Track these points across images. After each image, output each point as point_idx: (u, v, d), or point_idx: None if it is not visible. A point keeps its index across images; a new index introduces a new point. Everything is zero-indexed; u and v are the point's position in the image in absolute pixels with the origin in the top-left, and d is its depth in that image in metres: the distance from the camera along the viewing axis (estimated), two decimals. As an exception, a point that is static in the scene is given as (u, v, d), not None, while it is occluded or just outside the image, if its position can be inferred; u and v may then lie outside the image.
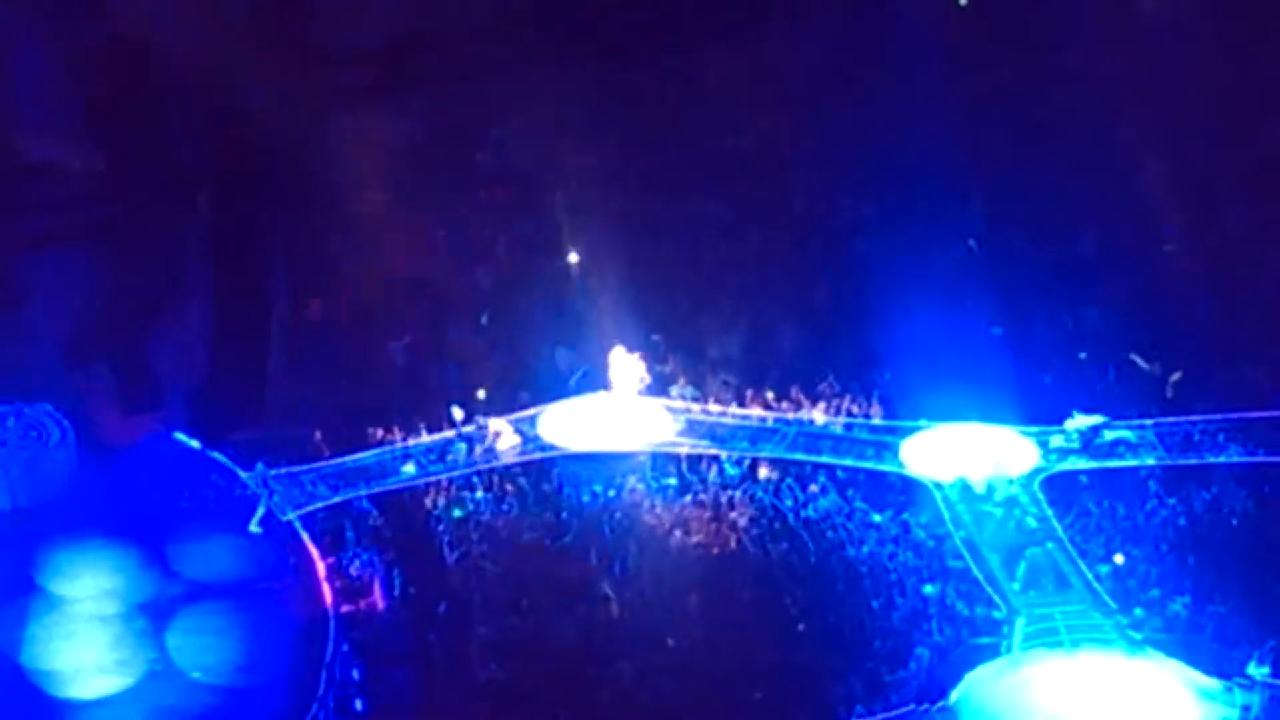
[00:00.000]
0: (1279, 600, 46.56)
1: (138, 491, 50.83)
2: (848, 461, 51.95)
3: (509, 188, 61.65)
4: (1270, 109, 61.28)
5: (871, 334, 56.30)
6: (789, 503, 50.73)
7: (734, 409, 54.02)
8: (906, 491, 50.93)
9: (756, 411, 53.88)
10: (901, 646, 45.92)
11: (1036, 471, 51.02)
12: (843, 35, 63.83)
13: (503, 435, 52.79)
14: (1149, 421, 52.50)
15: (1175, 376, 54.57)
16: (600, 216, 59.80)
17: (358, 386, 55.97)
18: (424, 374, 56.76)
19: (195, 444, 52.72)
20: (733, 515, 50.38)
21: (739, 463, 52.05)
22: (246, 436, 53.30)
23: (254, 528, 49.80)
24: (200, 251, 59.17)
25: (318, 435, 53.03)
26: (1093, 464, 51.38)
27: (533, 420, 53.65)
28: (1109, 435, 51.90)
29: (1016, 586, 47.41)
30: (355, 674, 45.49)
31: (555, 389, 55.09)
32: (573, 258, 58.80)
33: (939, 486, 50.62)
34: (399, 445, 52.80)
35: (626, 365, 54.44)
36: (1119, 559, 48.14)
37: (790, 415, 53.65)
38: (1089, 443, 51.65)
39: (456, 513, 50.91)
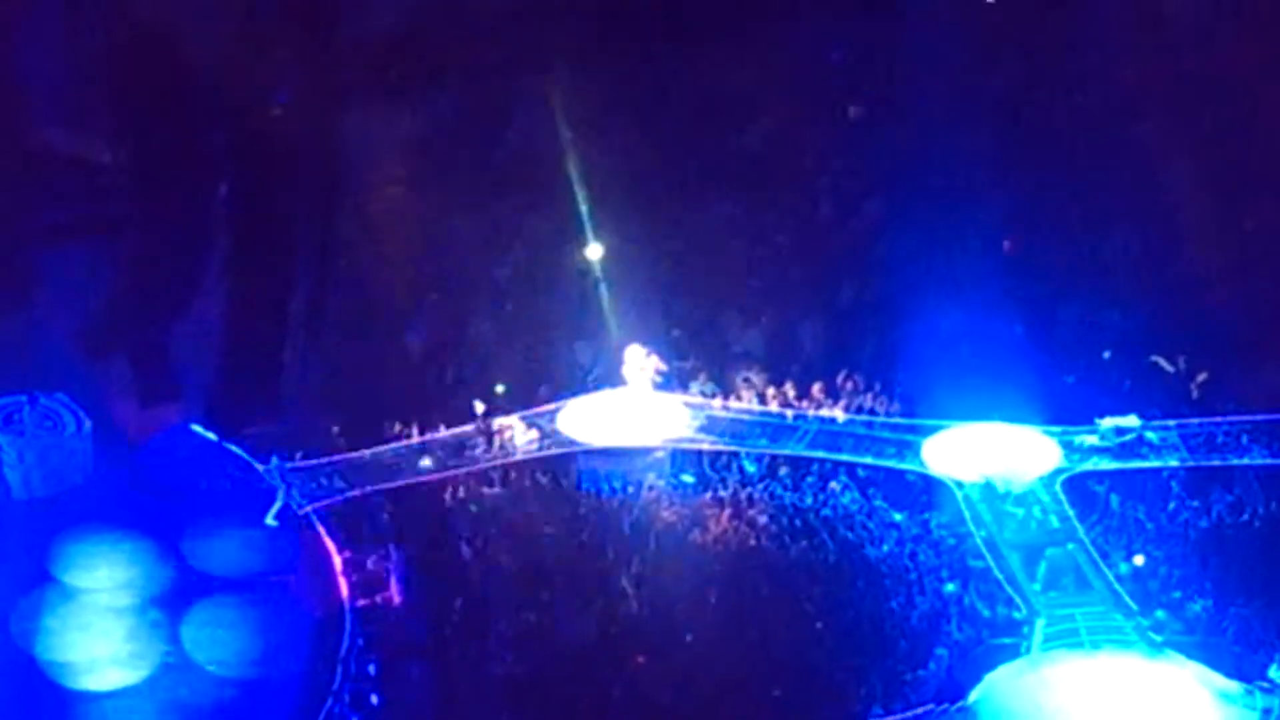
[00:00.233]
0: (1301, 604, 46.36)
1: (154, 483, 50.69)
2: (868, 459, 51.75)
3: (530, 181, 61.35)
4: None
5: (894, 332, 56.08)
6: (809, 500, 50.56)
7: (755, 405, 53.85)
8: (928, 490, 50.71)
9: (777, 408, 53.69)
10: (921, 646, 45.66)
11: (1058, 471, 50.74)
12: (868, 32, 63.49)
13: (521, 430, 52.63)
14: (1172, 423, 52.26)
15: (1201, 377, 54.27)
16: (622, 211, 59.51)
17: (376, 380, 55.83)
18: (442, 368, 56.62)
19: (212, 436, 52.65)
20: (752, 512, 50.13)
21: (759, 460, 51.86)
22: (264, 429, 53.21)
23: (270, 521, 49.71)
24: (220, 243, 59.00)
25: (335, 429, 52.98)
26: (1115, 465, 51.12)
27: (552, 415, 53.51)
28: (1148, 435, 51.65)
29: (1037, 587, 47.18)
30: (371, 668, 45.29)
31: (575, 384, 54.96)
32: (594, 253, 58.53)
33: (960, 485, 50.38)
34: (416, 439, 52.68)
35: (647, 361, 54.26)
36: (1139, 560, 47.90)
37: (811, 412, 53.46)
38: (1123, 443, 51.33)
39: (473, 507, 50.76)
